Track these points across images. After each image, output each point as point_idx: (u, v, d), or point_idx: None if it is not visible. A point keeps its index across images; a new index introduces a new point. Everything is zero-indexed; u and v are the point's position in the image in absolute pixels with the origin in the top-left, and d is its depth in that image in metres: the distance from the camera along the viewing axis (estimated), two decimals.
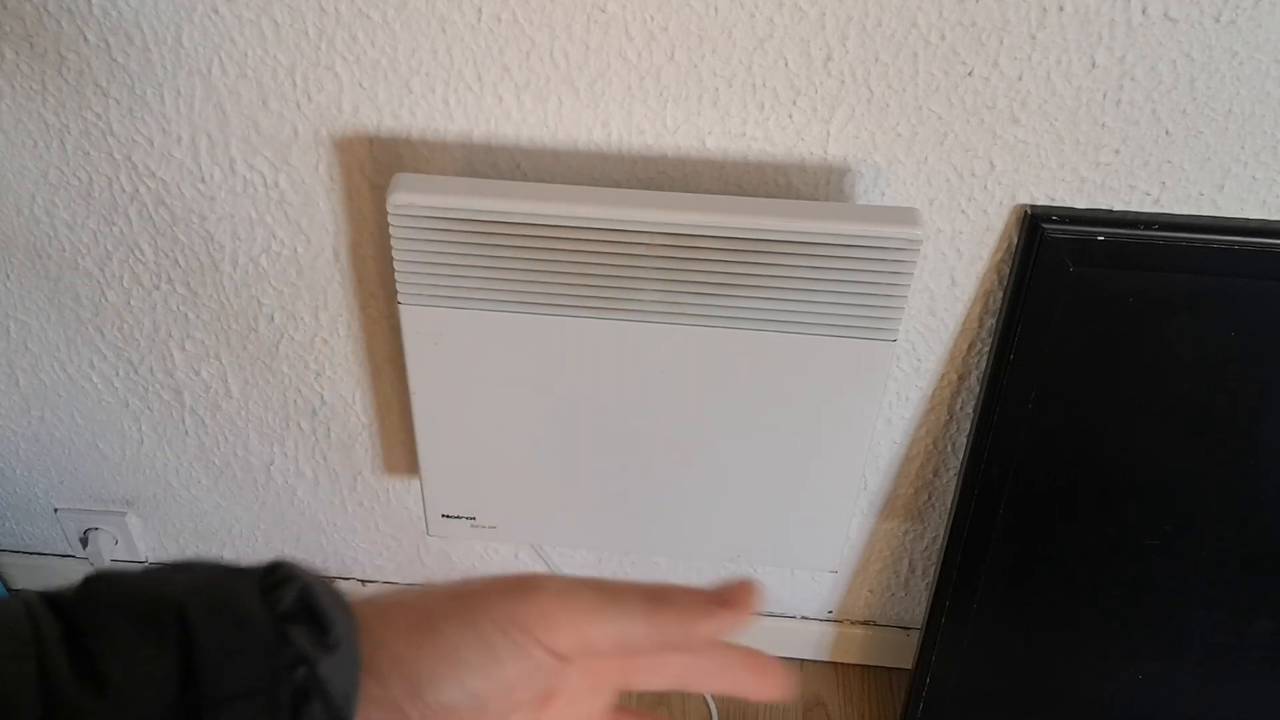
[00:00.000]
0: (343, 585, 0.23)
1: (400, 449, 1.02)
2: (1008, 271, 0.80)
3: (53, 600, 0.22)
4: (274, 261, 0.87)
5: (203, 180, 0.83)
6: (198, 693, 0.21)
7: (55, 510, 1.13)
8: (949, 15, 0.68)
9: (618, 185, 0.79)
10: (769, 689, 0.31)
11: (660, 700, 1.14)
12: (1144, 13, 0.67)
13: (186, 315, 0.93)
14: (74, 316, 0.94)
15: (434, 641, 0.25)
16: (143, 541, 1.14)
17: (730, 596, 0.29)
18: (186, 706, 0.21)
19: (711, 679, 0.31)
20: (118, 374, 0.98)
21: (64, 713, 0.20)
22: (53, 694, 0.20)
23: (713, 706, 1.13)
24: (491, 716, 0.25)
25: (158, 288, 0.91)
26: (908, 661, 1.13)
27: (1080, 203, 0.76)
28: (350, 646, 0.23)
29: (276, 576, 0.24)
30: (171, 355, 0.96)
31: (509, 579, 0.27)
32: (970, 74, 0.71)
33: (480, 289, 0.75)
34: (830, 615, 1.14)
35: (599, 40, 0.71)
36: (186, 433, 1.03)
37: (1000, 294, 0.82)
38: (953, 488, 0.96)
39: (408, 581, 1.18)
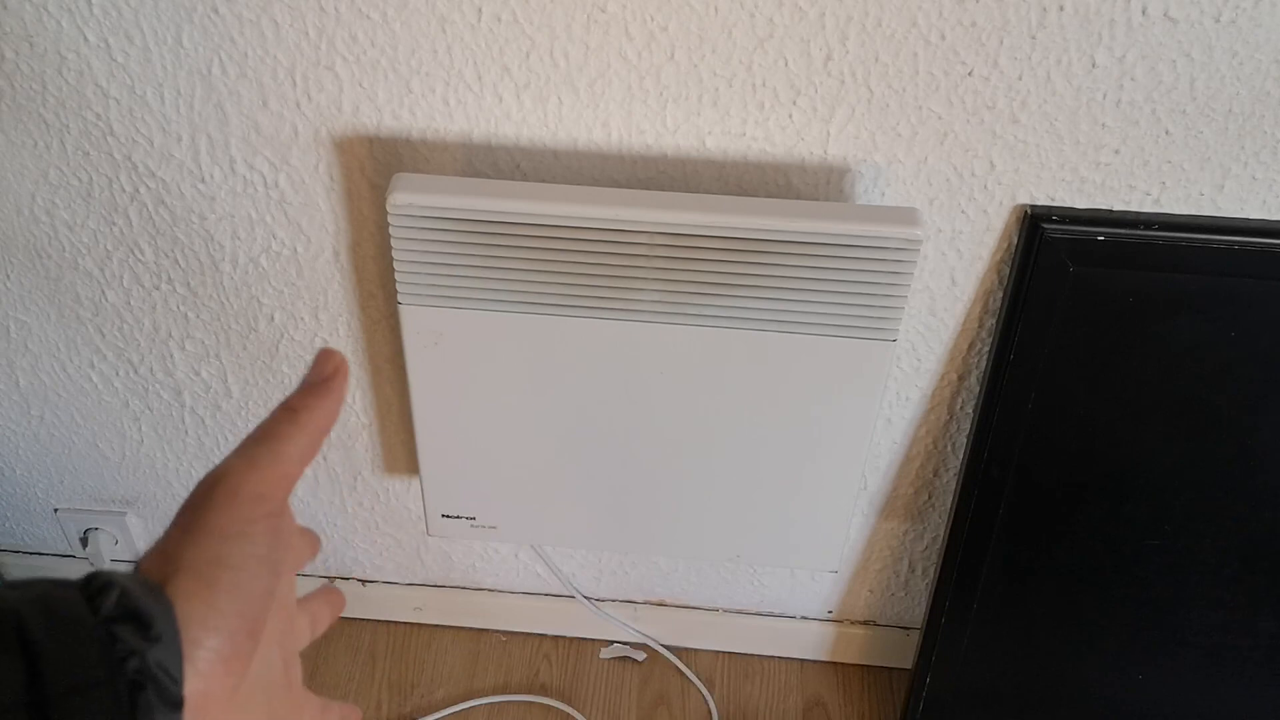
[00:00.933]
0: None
1: (400, 449, 1.02)
2: (1008, 271, 0.80)
3: None
4: (274, 261, 0.87)
5: (203, 180, 0.83)
6: (44, 689, 0.24)
7: (55, 510, 1.13)
8: (949, 15, 0.68)
9: (618, 185, 0.79)
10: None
11: (660, 700, 1.14)
12: (1144, 13, 0.67)
13: (186, 315, 0.93)
14: (74, 316, 0.94)
15: (216, 590, 0.28)
16: (142, 541, 1.14)
17: (320, 369, 0.34)
18: (34, 702, 0.24)
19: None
20: (118, 374, 0.98)
21: None
22: None
23: (712, 706, 1.13)
24: (285, 588, 0.31)
25: (158, 288, 0.91)
26: (908, 661, 1.13)
27: (1080, 203, 0.76)
28: (172, 638, 0.26)
29: (96, 584, 0.26)
30: (171, 355, 0.96)
31: (201, 486, 0.31)
32: (970, 74, 0.71)
33: (480, 289, 0.75)
34: (830, 615, 1.14)
35: (599, 40, 0.71)
36: (186, 433, 1.03)
37: (1000, 294, 0.82)
38: (953, 488, 0.96)
39: (408, 582, 1.18)
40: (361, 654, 1.18)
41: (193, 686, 0.27)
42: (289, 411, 0.33)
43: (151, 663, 0.26)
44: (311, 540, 0.39)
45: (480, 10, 0.71)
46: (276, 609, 0.32)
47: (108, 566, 1.03)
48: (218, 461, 0.31)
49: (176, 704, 0.26)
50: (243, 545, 0.29)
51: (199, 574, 0.28)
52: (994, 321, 0.83)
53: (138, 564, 0.29)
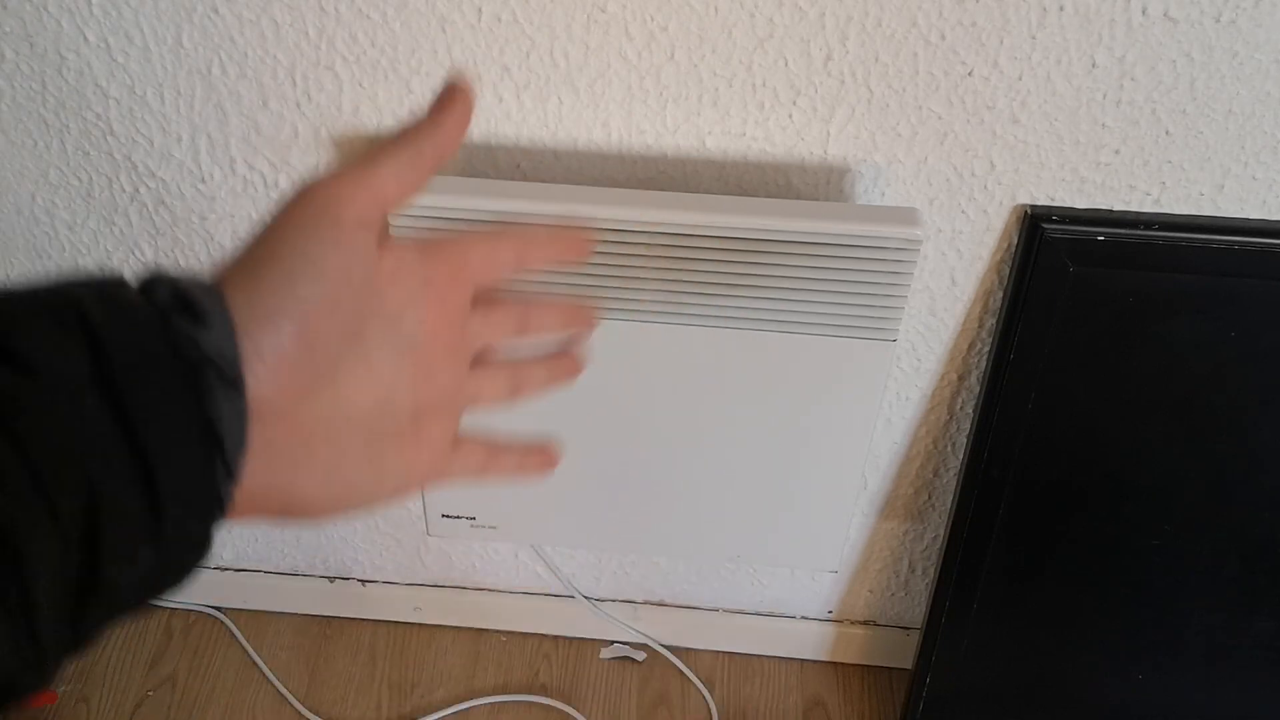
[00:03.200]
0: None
1: None
2: (1008, 271, 0.80)
3: None
4: None
5: (203, 180, 0.83)
6: (109, 368, 0.24)
7: None
8: (949, 15, 0.68)
9: (618, 185, 0.79)
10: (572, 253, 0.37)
11: (661, 700, 1.14)
12: (1144, 13, 0.67)
13: None
14: None
15: (261, 278, 0.28)
16: None
17: (446, 93, 0.33)
18: (101, 379, 0.24)
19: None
20: None
21: (7, 400, 0.23)
22: None
23: (712, 706, 1.13)
24: (348, 312, 0.29)
25: None
26: (908, 661, 1.13)
27: (1080, 203, 0.76)
28: (225, 325, 0.26)
29: (150, 281, 0.27)
30: None
31: (286, 201, 0.30)
32: (970, 74, 0.71)
33: None
34: (830, 615, 1.14)
35: (599, 40, 0.71)
36: None
37: (1000, 294, 0.82)
38: (953, 488, 0.96)
39: (408, 582, 1.18)
40: (361, 654, 1.18)
41: (252, 383, 0.27)
42: (401, 129, 0.32)
43: (206, 346, 0.26)
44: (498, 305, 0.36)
45: (480, 10, 0.71)
46: (400, 354, 0.31)
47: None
48: None
49: (237, 386, 0.26)
50: (300, 245, 0.28)
51: (248, 269, 0.28)
52: (994, 321, 0.83)
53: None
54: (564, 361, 0.39)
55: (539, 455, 0.38)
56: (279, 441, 0.28)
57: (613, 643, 1.19)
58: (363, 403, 0.30)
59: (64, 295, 0.25)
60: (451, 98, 0.32)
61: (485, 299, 0.35)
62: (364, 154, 0.31)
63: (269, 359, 0.27)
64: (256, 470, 0.27)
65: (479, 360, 0.36)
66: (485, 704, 1.14)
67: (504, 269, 0.35)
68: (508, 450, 0.37)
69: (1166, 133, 0.72)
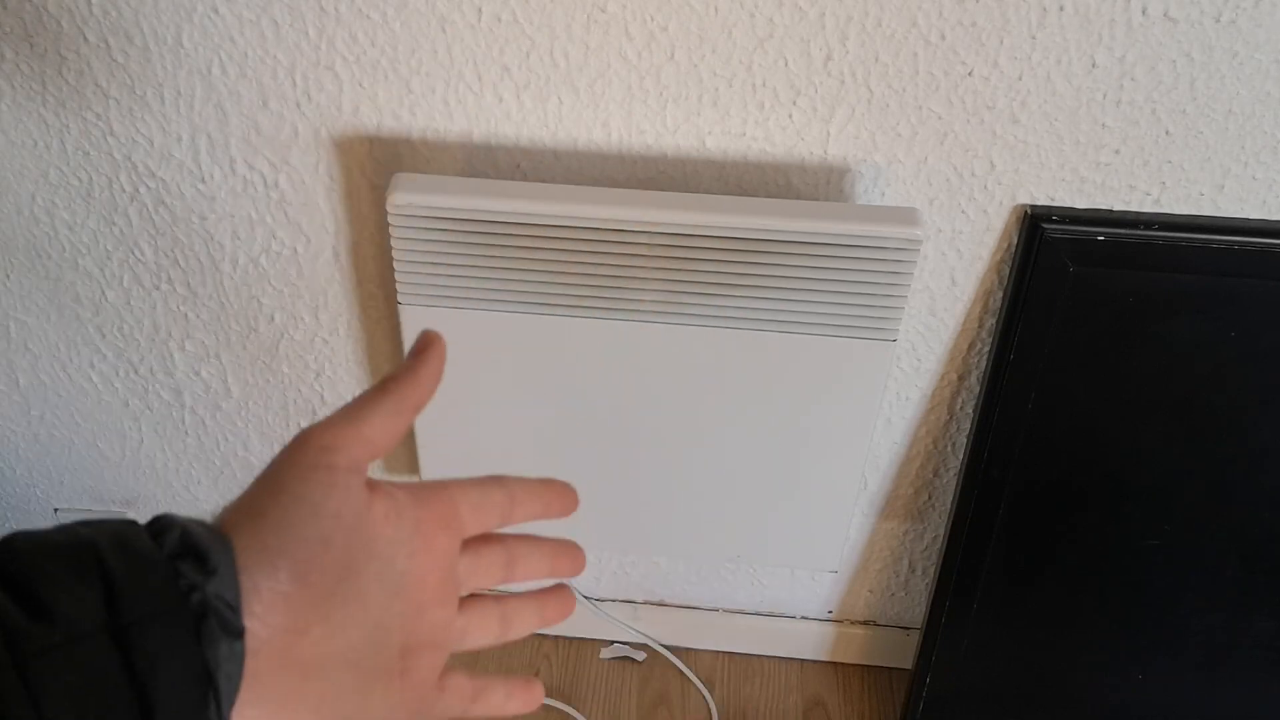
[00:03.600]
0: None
1: (400, 448, 1.02)
2: (1008, 271, 0.80)
3: None
4: (274, 261, 0.87)
5: (203, 180, 0.83)
6: (120, 615, 0.26)
7: (55, 510, 1.13)
8: (949, 15, 0.68)
9: (618, 185, 0.79)
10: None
11: (661, 700, 1.14)
12: (1144, 13, 0.67)
13: (186, 315, 0.93)
14: (74, 316, 0.94)
15: (262, 518, 0.30)
16: None
17: (420, 344, 0.36)
18: (115, 627, 0.26)
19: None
20: (118, 374, 0.98)
21: (22, 642, 0.25)
22: (8, 629, 0.25)
23: (712, 706, 1.13)
24: (341, 551, 0.31)
25: (158, 288, 0.91)
26: (908, 661, 1.12)
27: (1080, 203, 0.76)
28: (229, 572, 0.28)
29: (160, 524, 0.29)
30: (171, 355, 0.96)
31: (281, 452, 0.32)
32: (970, 74, 0.71)
33: (480, 289, 0.75)
34: (830, 615, 1.14)
35: (599, 40, 0.71)
36: (186, 433, 1.03)
37: (1000, 294, 0.82)
38: (953, 488, 0.96)
39: None
40: None
41: (250, 624, 0.28)
42: (382, 381, 0.35)
43: (211, 594, 0.27)
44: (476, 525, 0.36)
45: (480, 10, 0.71)
46: (391, 592, 0.32)
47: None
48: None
49: (237, 633, 0.28)
50: (297, 489, 0.31)
51: (249, 510, 0.30)
52: (994, 321, 0.83)
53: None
54: (554, 602, 0.39)
55: (524, 690, 0.40)
56: (272, 676, 0.30)
57: (613, 643, 1.19)
58: (354, 639, 0.32)
59: (84, 538, 0.27)
60: (426, 349, 0.35)
61: (475, 540, 0.37)
62: (351, 404, 0.33)
63: (266, 597, 0.29)
64: (247, 703, 0.29)
65: (470, 597, 0.37)
66: None
67: (492, 519, 0.36)
68: (492, 686, 0.38)
69: (1166, 133, 0.72)
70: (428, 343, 0.36)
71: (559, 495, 0.38)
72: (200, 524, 0.29)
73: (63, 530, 0.28)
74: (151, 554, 0.28)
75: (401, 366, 0.35)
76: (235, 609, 0.28)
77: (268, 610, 0.29)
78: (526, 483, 0.37)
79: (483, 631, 0.37)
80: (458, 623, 0.36)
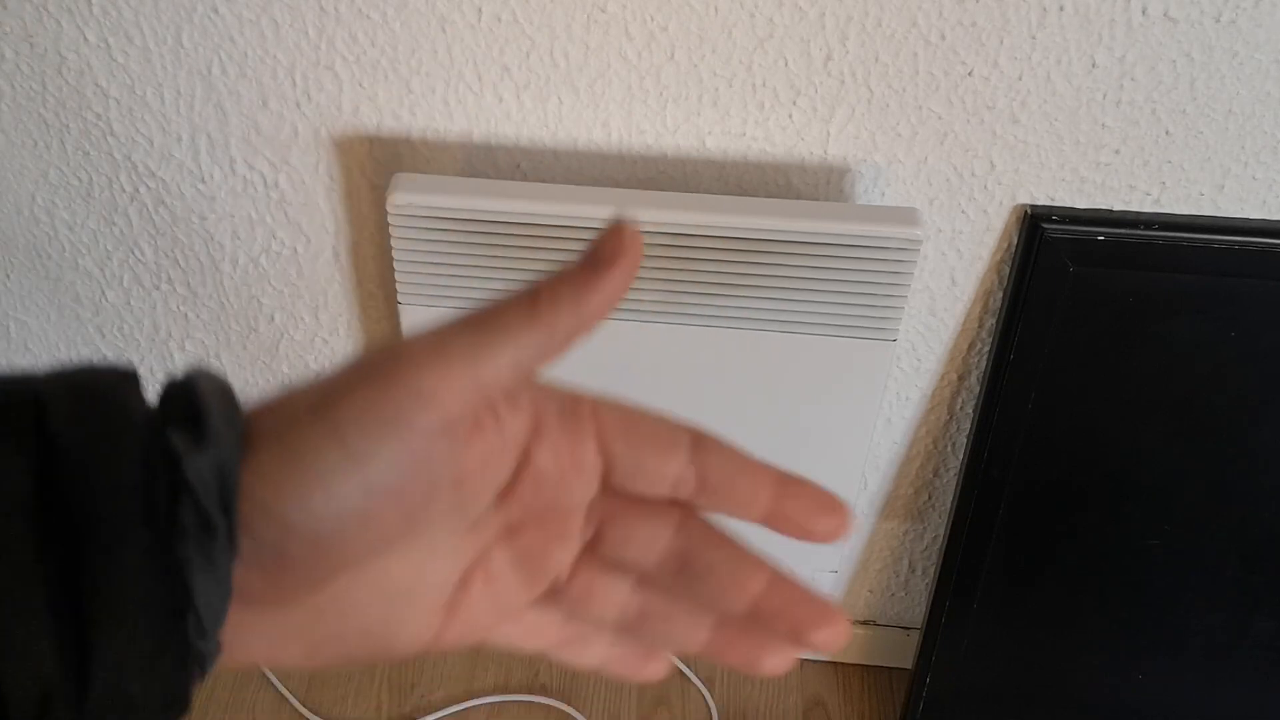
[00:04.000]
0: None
1: None
2: (1008, 271, 0.80)
3: None
4: (274, 261, 0.87)
5: (203, 180, 0.83)
6: (57, 490, 0.20)
7: None
8: (949, 15, 0.68)
9: (618, 185, 0.79)
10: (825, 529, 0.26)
11: (661, 700, 1.14)
12: (1144, 13, 0.67)
13: (186, 315, 0.93)
14: (74, 316, 0.94)
15: (289, 461, 0.22)
16: None
17: (605, 247, 0.24)
18: (47, 504, 0.20)
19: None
20: None
21: None
22: None
23: (712, 706, 1.13)
24: (386, 524, 0.23)
25: (158, 288, 0.91)
26: (908, 661, 1.12)
27: (1080, 203, 0.76)
28: (231, 446, 0.21)
29: (178, 382, 0.22)
30: (171, 355, 0.96)
31: (370, 365, 0.23)
32: (970, 74, 0.71)
33: (480, 289, 0.75)
34: None
35: (599, 40, 0.71)
36: None
37: (1000, 294, 0.82)
38: (953, 488, 0.96)
39: None
40: None
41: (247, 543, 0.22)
42: (528, 299, 0.24)
43: (189, 475, 0.21)
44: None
45: (480, 10, 0.71)
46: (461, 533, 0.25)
47: None
48: None
49: (212, 530, 0.21)
50: (357, 445, 0.22)
51: (280, 452, 0.22)
52: (994, 321, 0.83)
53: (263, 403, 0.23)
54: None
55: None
56: (266, 619, 0.23)
57: None
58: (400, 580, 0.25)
59: (24, 391, 0.21)
60: (615, 254, 0.24)
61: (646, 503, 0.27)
62: (477, 323, 0.24)
63: (250, 565, 0.22)
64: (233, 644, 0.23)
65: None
66: (485, 704, 1.14)
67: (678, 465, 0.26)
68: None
69: (1166, 133, 0.72)
70: (618, 243, 0.24)
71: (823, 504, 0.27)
72: (225, 395, 0.22)
73: (12, 379, 0.21)
74: (125, 412, 0.21)
75: (563, 274, 0.24)
76: (229, 508, 0.21)
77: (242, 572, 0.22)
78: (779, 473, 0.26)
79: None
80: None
